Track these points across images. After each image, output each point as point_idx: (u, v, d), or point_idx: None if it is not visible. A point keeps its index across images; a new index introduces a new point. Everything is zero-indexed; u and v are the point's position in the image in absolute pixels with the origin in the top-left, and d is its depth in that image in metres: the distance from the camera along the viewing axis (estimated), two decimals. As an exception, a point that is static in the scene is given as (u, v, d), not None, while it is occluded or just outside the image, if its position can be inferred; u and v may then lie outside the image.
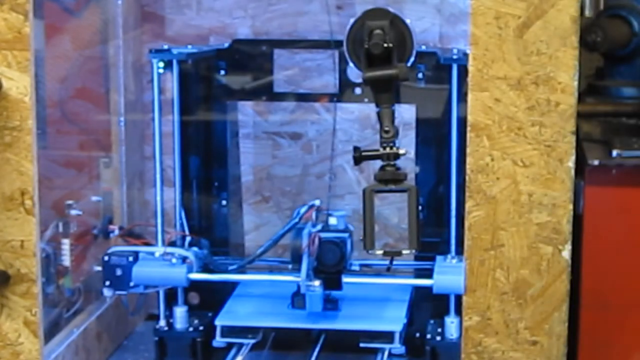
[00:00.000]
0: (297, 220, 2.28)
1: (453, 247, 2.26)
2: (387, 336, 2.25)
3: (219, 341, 2.30)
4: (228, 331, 2.30)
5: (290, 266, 2.28)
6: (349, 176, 2.66)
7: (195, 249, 2.33)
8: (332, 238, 2.28)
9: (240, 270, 2.35)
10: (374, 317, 2.30)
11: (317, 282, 2.25)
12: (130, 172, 2.59)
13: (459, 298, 2.13)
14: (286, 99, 2.57)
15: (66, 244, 2.27)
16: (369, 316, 2.31)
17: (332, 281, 2.28)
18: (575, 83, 1.71)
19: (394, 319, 2.28)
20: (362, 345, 2.26)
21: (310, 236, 2.24)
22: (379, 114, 1.60)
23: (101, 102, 2.56)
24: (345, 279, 2.35)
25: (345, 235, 2.30)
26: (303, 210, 2.30)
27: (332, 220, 2.33)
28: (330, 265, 2.27)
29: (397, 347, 2.25)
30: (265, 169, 2.69)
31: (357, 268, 2.38)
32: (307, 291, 2.25)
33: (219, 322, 2.30)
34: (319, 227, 2.30)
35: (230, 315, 2.33)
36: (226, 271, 2.33)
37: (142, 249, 2.32)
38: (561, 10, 1.69)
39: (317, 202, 2.34)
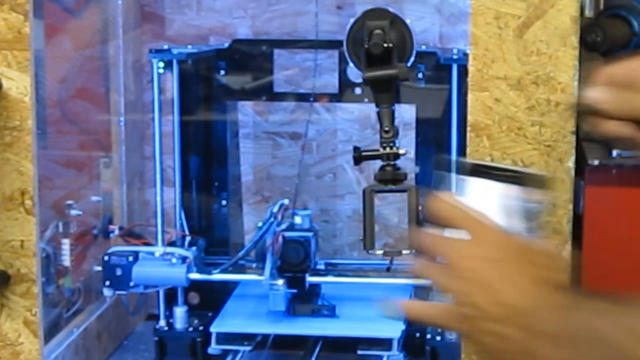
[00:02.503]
0: (272, 220, 2.27)
1: (453, 247, 2.24)
2: (386, 343, 2.23)
3: (214, 348, 2.29)
4: (223, 338, 2.28)
5: (254, 265, 2.28)
6: (349, 176, 2.66)
7: (194, 248, 2.33)
8: (296, 237, 2.27)
9: (239, 270, 2.34)
10: (372, 322, 2.27)
11: (280, 281, 2.24)
12: (130, 172, 2.59)
13: (459, 298, 2.12)
14: (286, 99, 2.57)
15: (66, 244, 2.27)
16: (367, 321, 2.27)
17: (296, 280, 2.27)
18: (575, 83, 1.71)
19: (392, 324, 2.25)
20: (359, 353, 2.25)
21: (274, 235, 2.24)
22: (379, 114, 1.60)
23: (101, 102, 2.56)
24: (345, 279, 2.35)
25: (310, 234, 2.29)
26: (275, 209, 2.30)
27: (297, 219, 2.32)
28: (294, 264, 2.26)
29: (395, 354, 2.23)
30: (265, 169, 2.69)
31: (322, 267, 2.38)
32: (271, 290, 2.24)
33: (214, 328, 2.28)
34: (283, 226, 2.29)
35: (226, 321, 2.32)
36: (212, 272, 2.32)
37: (142, 249, 2.32)
38: (561, 10, 1.68)
39: (286, 201, 2.33)
